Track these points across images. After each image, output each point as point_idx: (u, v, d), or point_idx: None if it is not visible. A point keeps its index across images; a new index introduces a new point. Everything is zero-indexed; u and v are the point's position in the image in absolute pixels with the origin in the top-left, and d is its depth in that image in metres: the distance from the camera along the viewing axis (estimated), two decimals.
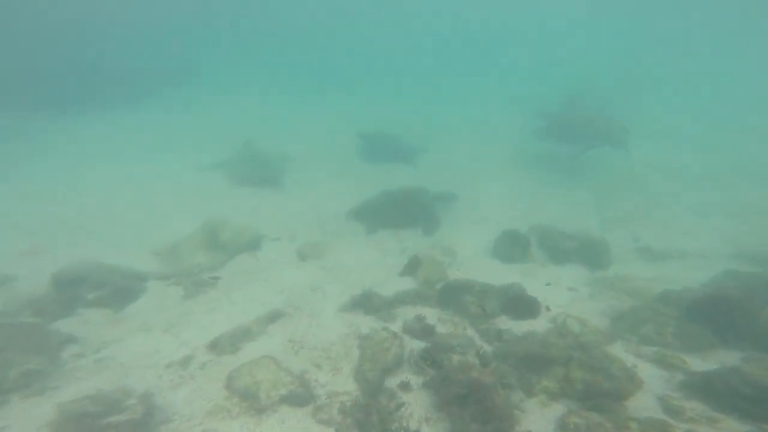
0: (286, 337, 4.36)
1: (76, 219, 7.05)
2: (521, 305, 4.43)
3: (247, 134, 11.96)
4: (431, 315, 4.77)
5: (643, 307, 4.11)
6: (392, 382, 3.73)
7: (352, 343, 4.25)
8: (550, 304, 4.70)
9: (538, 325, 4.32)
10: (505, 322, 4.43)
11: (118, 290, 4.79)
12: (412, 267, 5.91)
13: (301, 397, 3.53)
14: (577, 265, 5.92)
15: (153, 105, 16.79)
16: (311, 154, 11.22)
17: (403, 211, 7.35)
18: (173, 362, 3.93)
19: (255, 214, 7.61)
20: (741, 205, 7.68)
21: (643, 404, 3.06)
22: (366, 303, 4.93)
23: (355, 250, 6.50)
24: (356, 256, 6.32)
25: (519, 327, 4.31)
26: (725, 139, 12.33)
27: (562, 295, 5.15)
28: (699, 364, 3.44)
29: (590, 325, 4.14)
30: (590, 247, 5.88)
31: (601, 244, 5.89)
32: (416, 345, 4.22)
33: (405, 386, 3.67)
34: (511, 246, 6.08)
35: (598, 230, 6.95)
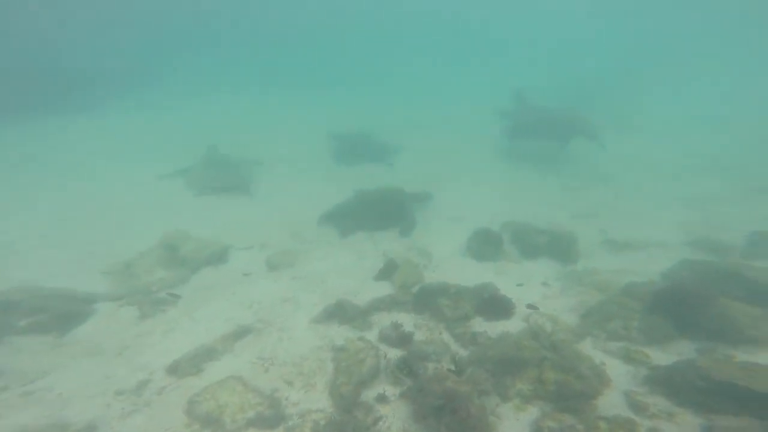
0: (255, 354, 4.14)
1: (17, 238, 6.41)
2: (495, 306, 4.44)
3: (214, 138, 11.41)
4: (408, 321, 4.69)
5: (609, 301, 4.24)
6: (369, 394, 3.62)
7: (326, 356, 4.10)
8: (524, 302, 4.76)
9: (512, 325, 4.36)
10: (480, 324, 4.43)
11: (59, 315, 4.37)
12: (388, 271, 5.82)
13: (270, 418, 3.34)
14: (548, 260, 6.05)
15: (112, 109, 15.72)
16: (283, 158, 10.88)
17: (378, 212, 7.24)
18: (126, 389, 3.62)
19: (221, 224, 7.25)
20: (700, 196, 8.12)
21: (611, 402, 3.13)
22: (340, 312, 4.77)
23: (329, 256, 6.32)
24: (330, 263, 6.14)
25: (494, 328, 4.32)
26: (706, 133, 12.94)
27: (536, 291, 5.23)
28: (660, 357, 3.57)
29: (561, 322, 4.21)
30: (560, 242, 6.03)
31: (570, 239, 6.06)
32: (393, 354, 4.13)
33: (382, 398, 3.57)
34: (485, 244, 6.12)
35: (567, 224, 7.15)
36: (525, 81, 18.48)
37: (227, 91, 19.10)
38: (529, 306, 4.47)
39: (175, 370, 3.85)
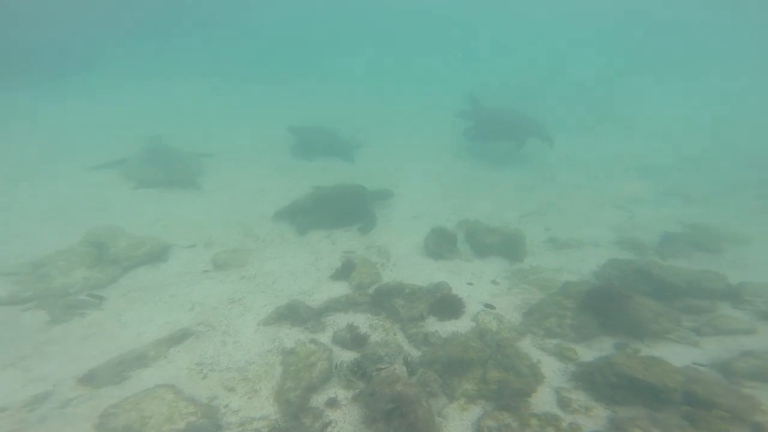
0: (193, 360, 3.84)
1: None
2: (447, 306, 4.56)
3: (160, 128, 10.43)
4: (363, 321, 4.66)
5: (548, 300, 4.56)
6: (319, 399, 3.53)
7: (274, 360, 3.92)
8: (475, 301, 4.96)
9: (462, 324, 4.51)
10: (432, 324, 4.52)
11: None
12: (345, 270, 5.73)
13: (204, 428, 3.09)
14: (499, 258, 6.37)
15: (42, 93, 13.72)
16: (238, 151, 10.23)
17: (338, 210, 7.09)
18: (12, 404, 3.12)
19: (162, 220, 6.66)
20: (629, 197, 8.94)
21: (543, 399, 3.37)
22: (292, 314, 4.60)
23: (284, 255, 6.07)
24: (284, 262, 5.90)
25: (445, 328, 4.43)
26: (670, 136, 13.73)
27: (485, 290, 5.47)
28: (587, 353, 3.92)
29: (506, 321, 4.45)
30: (509, 241, 6.37)
31: (518, 238, 6.42)
32: (347, 356, 4.05)
33: (333, 403, 3.49)
34: (440, 243, 6.28)
35: (517, 223, 7.58)
36: (486, 79, 19.46)
37: (179, 80, 17.55)
38: (487, 305, 4.66)
39: (90, 379, 3.42)
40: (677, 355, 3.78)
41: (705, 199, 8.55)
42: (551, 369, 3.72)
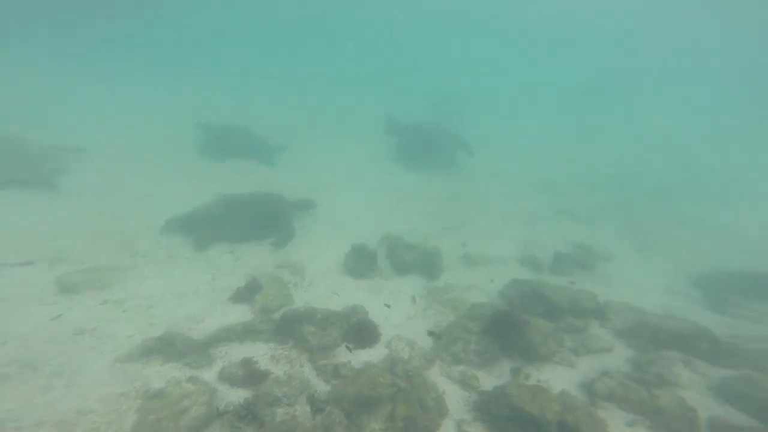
0: None
1: None
2: (362, 333, 4.33)
3: (14, 117, 8.06)
4: (265, 352, 4.12)
5: (456, 324, 4.76)
6: None
7: (127, 407, 3.11)
8: (392, 324, 4.82)
9: (376, 353, 4.33)
10: (344, 353, 4.20)
11: None
12: (248, 291, 5.07)
13: None
14: (417, 276, 6.46)
15: None
16: (122, 147, 8.50)
17: (248, 220, 6.31)
18: None
19: None
20: (531, 212, 10.03)
21: None
22: (166, 347, 3.86)
23: (171, 273, 5.11)
24: (170, 282, 4.96)
25: (358, 357, 4.17)
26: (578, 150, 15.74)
27: (402, 311, 5.43)
28: (488, 380, 4.14)
29: (417, 348, 4.45)
30: (428, 258, 6.53)
31: (435, 255, 6.63)
32: (237, 396, 3.43)
33: None
34: (360, 261, 6.09)
35: (436, 237, 7.85)
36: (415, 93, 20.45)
37: (67, 61, 14.05)
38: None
39: None
40: (559, 378, 4.25)
41: (588, 219, 10.18)
42: (455, 399, 3.78)
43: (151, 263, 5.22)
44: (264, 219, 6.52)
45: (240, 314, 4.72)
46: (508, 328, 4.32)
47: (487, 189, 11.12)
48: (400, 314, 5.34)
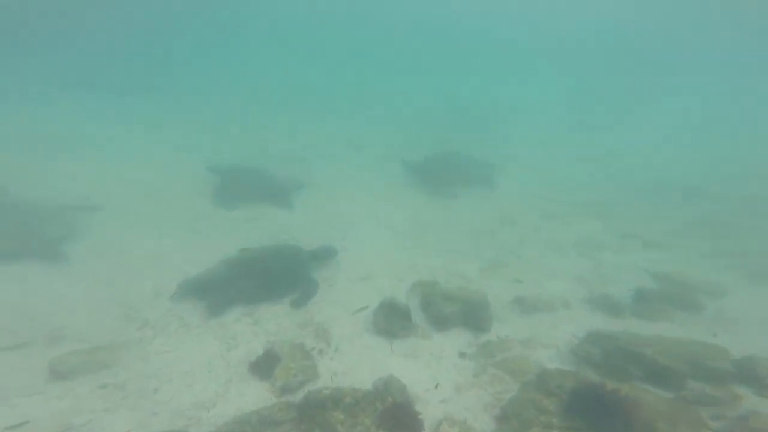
0: None
1: None
2: (399, 420, 3.69)
3: (22, 168, 8.68)
4: None
5: (523, 399, 3.90)
6: None
7: None
8: (437, 399, 4.17)
9: None
10: None
11: None
12: (265, 365, 4.62)
13: None
14: (461, 330, 5.73)
15: None
16: (134, 199, 8.65)
17: (265, 278, 6.03)
18: None
19: None
20: (588, 241, 8.97)
21: None
22: None
23: (180, 347, 4.80)
24: (179, 356, 4.63)
25: None
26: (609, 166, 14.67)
27: (448, 378, 4.73)
28: None
29: None
30: (471, 307, 5.81)
31: (481, 303, 5.89)
32: None
33: None
34: (391, 318, 5.50)
35: (477, 278, 7.15)
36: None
37: (62, 100, 15.42)
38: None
39: None
40: None
41: (660, 243, 9.04)
42: None
43: (159, 335, 4.95)
44: (282, 275, 6.24)
45: (257, 394, 4.26)
46: (607, 413, 3.37)
47: (526, 214, 10.27)
48: (447, 384, 4.66)
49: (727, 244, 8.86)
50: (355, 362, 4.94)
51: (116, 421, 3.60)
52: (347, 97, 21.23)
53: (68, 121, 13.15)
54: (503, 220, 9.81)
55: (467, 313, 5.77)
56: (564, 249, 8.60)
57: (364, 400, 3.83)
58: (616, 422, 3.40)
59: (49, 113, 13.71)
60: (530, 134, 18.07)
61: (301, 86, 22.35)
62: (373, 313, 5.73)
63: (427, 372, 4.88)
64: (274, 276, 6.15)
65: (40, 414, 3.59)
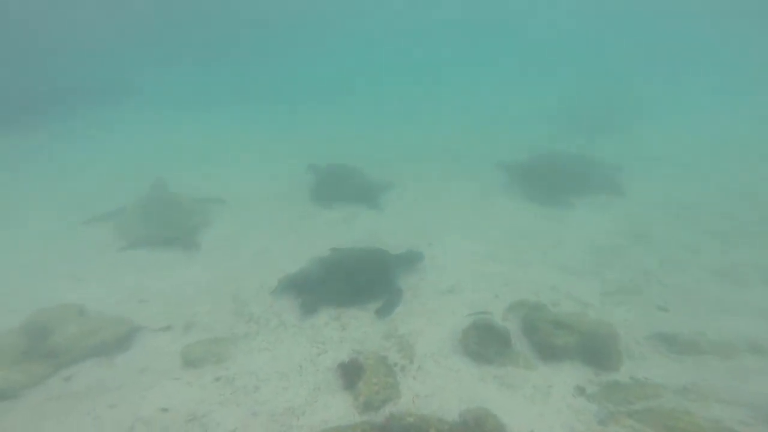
0: None
1: None
2: None
3: (170, 168, 10.66)
4: None
5: None
6: None
7: None
8: None
9: None
10: None
11: None
12: (349, 376, 4.59)
13: None
14: (576, 364, 4.73)
15: (45, 128, 15.20)
16: (250, 197, 9.82)
17: (354, 281, 6.10)
18: None
19: (140, 294, 6.09)
20: None
21: None
22: None
23: (277, 346, 5.13)
24: (276, 355, 4.94)
25: None
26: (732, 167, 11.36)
27: (559, 421, 3.92)
28: None
29: None
30: (592, 339, 4.77)
31: (606, 335, 4.78)
32: None
33: None
34: (485, 342, 4.88)
35: (599, 305, 5.94)
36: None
37: (201, 110, 18.73)
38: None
39: None
40: None
41: None
42: None
43: (262, 332, 5.41)
44: (369, 279, 6.23)
45: (341, 407, 4.22)
46: None
47: (670, 228, 8.13)
48: (560, 429, 3.89)
49: None
50: (440, 386, 4.53)
51: (227, 416, 3.91)
52: (447, 100, 20.40)
53: (216, 130, 15.72)
54: (636, 236, 7.95)
55: (586, 346, 4.77)
56: (739, 276, 6.47)
57: None
58: None
59: (197, 123, 16.55)
60: (683, 131, 14.40)
61: (400, 90, 22.35)
62: (463, 332, 5.20)
63: (530, 409, 4.12)
64: (362, 280, 6.15)
65: (176, 401, 4.12)
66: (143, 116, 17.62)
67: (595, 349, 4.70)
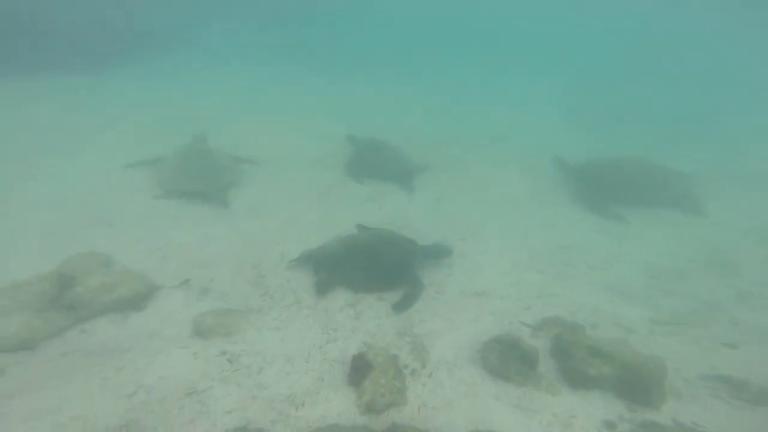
0: None
1: None
2: None
3: (213, 122, 10.60)
4: None
5: None
6: None
7: None
8: None
9: None
10: None
11: None
12: (356, 372, 4.38)
13: None
14: (608, 395, 4.23)
15: (120, 74, 15.63)
16: (288, 161, 9.61)
17: (374, 267, 5.78)
18: None
19: (163, 250, 6.15)
20: None
21: None
22: None
23: (288, 325, 5.01)
24: (285, 336, 4.83)
25: None
26: None
27: None
28: None
29: None
30: (632, 373, 4.18)
31: (650, 368, 4.14)
32: None
33: None
34: (508, 360, 4.44)
35: (645, 334, 5.20)
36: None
37: (255, 63, 18.50)
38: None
39: None
40: None
41: None
42: None
43: (275, 307, 5.29)
44: (390, 267, 5.86)
45: (343, 403, 4.05)
46: None
47: (756, 256, 7.01)
48: None
49: None
50: (450, 398, 4.20)
51: (226, 395, 3.87)
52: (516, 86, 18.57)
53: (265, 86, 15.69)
54: (709, 263, 6.92)
55: (623, 378, 4.18)
56: None
57: None
58: None
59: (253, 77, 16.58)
60: None
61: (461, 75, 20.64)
62: (484, 344, 4.76)
63: None
64: (383, 267, 5.80)
65: (180, 371, 4.12)
66: (206, 66, 17.78)
67: (633, 381, 4.09)
